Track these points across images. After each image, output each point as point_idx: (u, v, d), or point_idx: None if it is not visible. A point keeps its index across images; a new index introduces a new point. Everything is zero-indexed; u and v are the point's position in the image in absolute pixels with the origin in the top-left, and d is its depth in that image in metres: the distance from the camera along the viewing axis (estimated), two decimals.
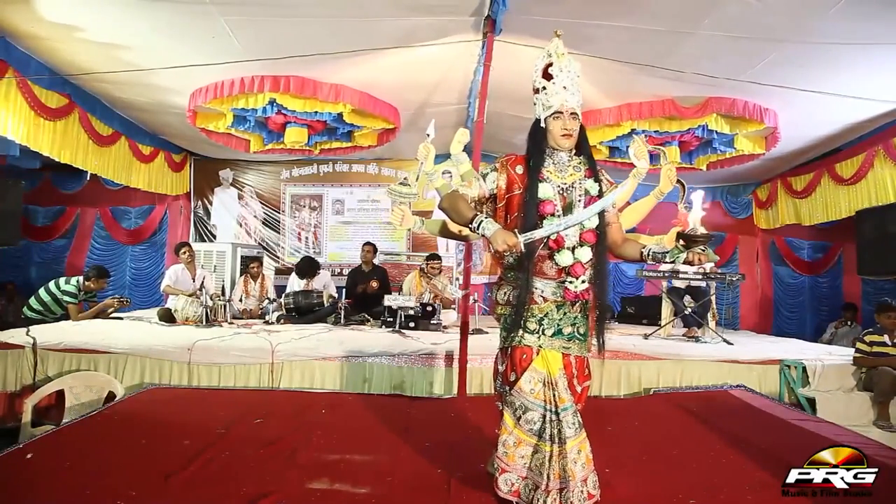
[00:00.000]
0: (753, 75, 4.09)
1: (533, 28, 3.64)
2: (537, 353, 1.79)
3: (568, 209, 1.78)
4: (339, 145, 5.72)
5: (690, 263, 1.69)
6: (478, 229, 1.72)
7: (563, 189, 1.80)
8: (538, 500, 1.70)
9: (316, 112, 4.71)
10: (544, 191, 1.77)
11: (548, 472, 1.69)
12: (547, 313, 1.80)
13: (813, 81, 4.10)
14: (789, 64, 3.92)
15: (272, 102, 4.56)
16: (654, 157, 3.56)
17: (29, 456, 2.22)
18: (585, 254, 1.77)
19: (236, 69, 4.30)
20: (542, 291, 1.80)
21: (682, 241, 1.73)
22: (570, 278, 1.77)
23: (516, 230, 1.72)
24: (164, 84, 4.67)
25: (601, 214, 1.79)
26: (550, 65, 1.82)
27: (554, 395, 1.74)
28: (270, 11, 3.57)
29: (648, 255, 1.76)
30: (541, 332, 1.79)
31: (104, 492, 1.93)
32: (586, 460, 1.74)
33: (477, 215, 1.73)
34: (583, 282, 1.77)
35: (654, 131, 4.93)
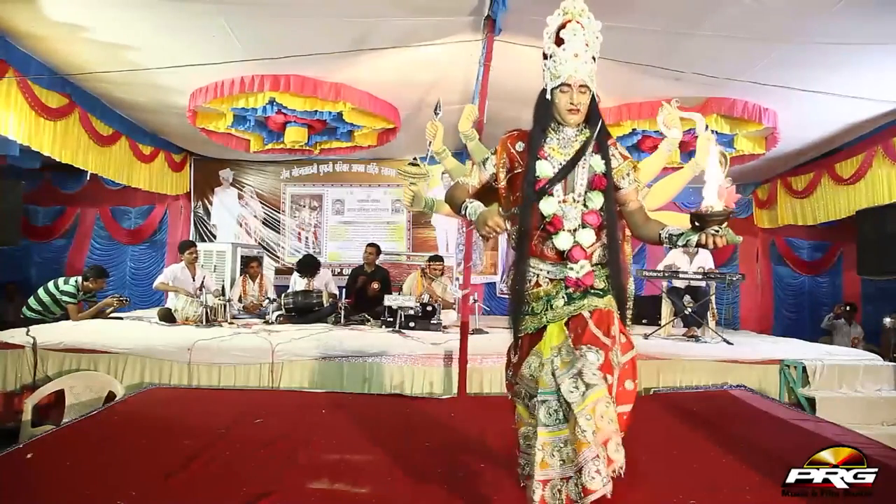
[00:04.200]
0: (753, 75, 4.09)
1: (533, 28, 3.61)
2: (545, 330, 1.63)
3: (570, 187, 1.64)
4: (339, 145, 5.71)
5: (704, 247, 1.46)
6: (465, 215, 1.63)
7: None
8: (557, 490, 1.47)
9: (316, 111, 4.71)
10: (542, 169, 1.61)
11: (562, 456, 1.47)
12: (557, 292, 1.66)
13: (813, 81, 4.10)
14: (789, 64, 3.92)
15: (272, 102, 4.56)
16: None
17: (29, 456, 2.22)
18: (587, 237, 1.61)
19: (236, 69, 4.30)
20: (548, 273, 1.66)
21: (696, 222, 1.46)
22: (570, 264, 1.61)
23: (500, 209, 1.63)
24: (164, 84, 4.67)
25: (608, 192, 1.63)
26: (563, 27, 1.61)
27: (555, 365, 1.53)
28: (270, 11, 3.57)
29: (666, 238, 1.56)
30: (549, 308, 1.64)
31: (104, 492, 1.93)
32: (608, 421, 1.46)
33: (465, 202, 1.64)
34: (583, 267, 1.61)
35: (655, 131, 4.93)
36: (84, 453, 2.30)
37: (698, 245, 1.46)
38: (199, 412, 2.97)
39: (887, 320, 6.10)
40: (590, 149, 1.64)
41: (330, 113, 4.78)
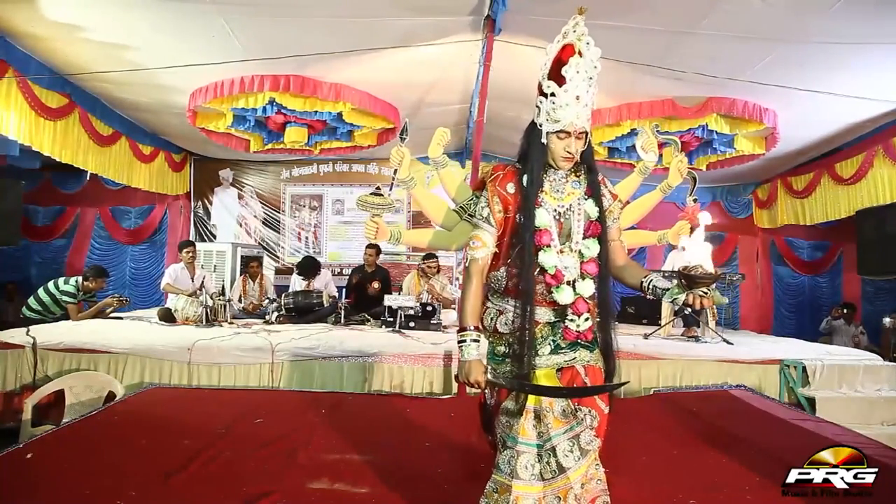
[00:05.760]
0: (753, 75, 4.09)
1: (533, 28, 3.64)
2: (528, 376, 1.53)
3: (566, 235, 1.56)
4: (339, 145, 5.72)
5: (691, 306, 1.44)
6: (458, 345, 1.54)
7: (559, 213, 1.56)
8: None
9: (316, 111, 4.72)
10: (541, 218, 1.52)
11: None
12: (541, 335, 1.56)
13: (813, 81, 4.10)
14: (789, 64, 3.92)
15: (272, 102, 4.56)
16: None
17: (29, 456, 2.22)
18: (588, 288, 1.53)
19: (236, 69, 4.30)
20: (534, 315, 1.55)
21: (683, 280, 1.45)
22: (571, 316, 1.52)
23: (488, 368, 1.53)
24: (164, 84, 4.67)
25: (603, 238, 1.56)
26: (564, 61, 1.47)
27: (547, 421, 1.47)
28: (270, 11, 3.57)
29: (649, 288, 1.52)
30: (534, 353, 1.54)
31: (104, 492, 1.93)
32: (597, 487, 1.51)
33: (467, 330, 1.53)
34: (586, 320, 1.53)
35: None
36: (84, 453, 2.30)
37: (685, 304, 1.46)
38: (199, 412, 2.97)
39: (887, 320, 6.11)
40: (582, 192, 1.58)
41: (330, 113, 4.78)
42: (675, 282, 1.49)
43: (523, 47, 3.83)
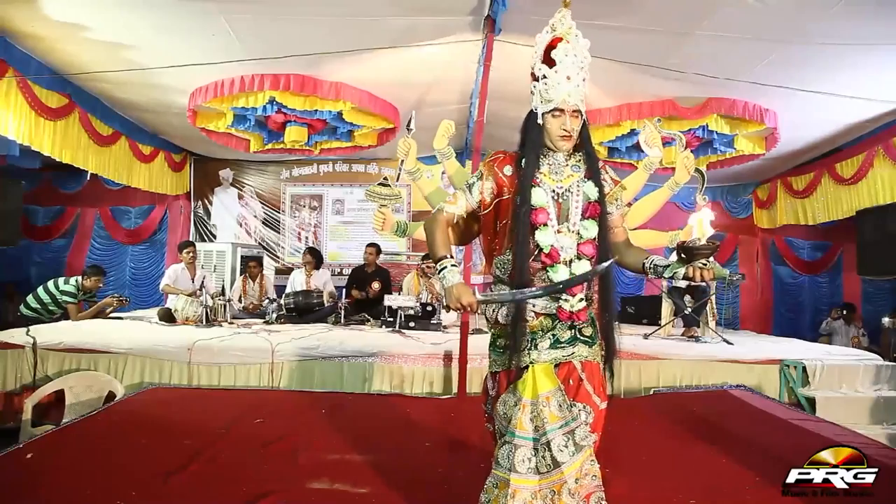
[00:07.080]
0: (753, 76, 4.09)
1: (533, 28, 3.59)
2: (526, 370, 1.53)
3: (563, 216, 1.57)
4: (339, 145, 5.72)
5: (691, 279, 1.45)
6: (438, 274, 1.55)
7: (558, 194, 1.57)
8: None
9: (316, 110, 4.71)
10: (537, 197, 1.53)
11: None
12: (541, 327, 1.57)
13: (813, 81, 4.10)
14: (789, 64, 3.92)
15: (272, 101, 4.56)
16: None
17: (29, 456, 2.22)
18: (584, 269, 1.54)
19: (236, 68, 4.30)
20: (533, 306, 1.56)
21: (682, 254, 1.47)
22: (565, 296, 1.54)
23: (476, 288, 1.54)
24: (164, 83, 4.68)
25: (602, 220, 1.57)
26: (553, 46, 1.52)
27: (543, 415, 1.47)
28: (271, 10, 3.57)
29: (651, 268, 1.54)
30: (532, 347, 1.55)
31: (104, 492, 1.94)
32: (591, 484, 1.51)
33: (444, 258, 1.54)
34: (580, 300, 1.54)
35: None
36: (84, 453, 2.30)
37: (685, 277, 1.46)
38: (199, 412, 2.98)
39: (887, 320, 6.11)
40: (582, 175, 1.59)
41: (330, 112, 4.78)
42: (674, 257, 1.50)
43: (523, 47, 3.82)
